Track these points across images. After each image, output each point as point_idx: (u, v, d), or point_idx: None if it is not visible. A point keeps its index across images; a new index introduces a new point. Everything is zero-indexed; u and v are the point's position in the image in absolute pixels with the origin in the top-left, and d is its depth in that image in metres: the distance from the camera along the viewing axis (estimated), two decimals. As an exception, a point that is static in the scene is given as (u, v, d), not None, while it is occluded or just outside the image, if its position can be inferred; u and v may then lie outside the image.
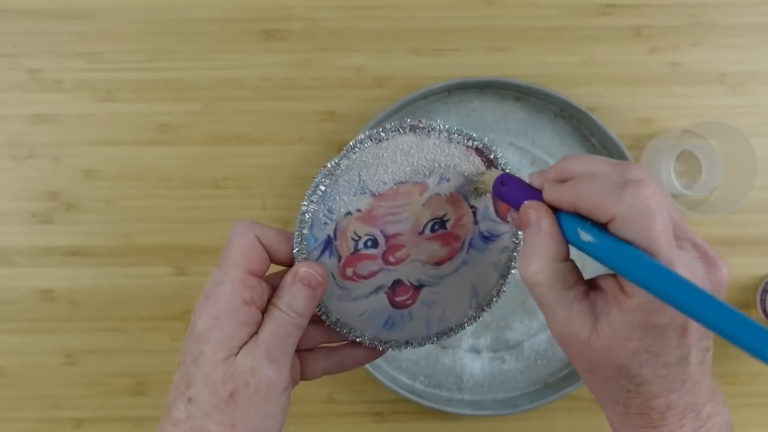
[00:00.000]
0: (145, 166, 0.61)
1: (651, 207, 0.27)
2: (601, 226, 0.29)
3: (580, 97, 0.61)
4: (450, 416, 0.59)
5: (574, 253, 0.31)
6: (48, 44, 0.61)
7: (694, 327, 0.29)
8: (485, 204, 0.36)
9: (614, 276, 0.29)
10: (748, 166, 0.57)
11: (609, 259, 0.28)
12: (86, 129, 0.61)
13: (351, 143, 0.34)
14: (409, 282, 0.37)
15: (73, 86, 0.61)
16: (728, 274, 0.29)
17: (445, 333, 0.39)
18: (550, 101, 0.60)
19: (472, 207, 0.36)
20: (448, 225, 0.36)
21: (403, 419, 0.61)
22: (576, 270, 0.31)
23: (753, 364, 0.62)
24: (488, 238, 0.37)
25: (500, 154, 0.35)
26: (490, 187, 0.34)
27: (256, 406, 0.31)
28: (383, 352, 0.39)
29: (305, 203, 0.34)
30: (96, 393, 0.60)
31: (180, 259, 0.60)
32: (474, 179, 0.36)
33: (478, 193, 0.36)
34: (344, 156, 0.34)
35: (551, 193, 0.30)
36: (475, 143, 0.35)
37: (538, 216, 0.30)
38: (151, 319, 0.60)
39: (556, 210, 0.31)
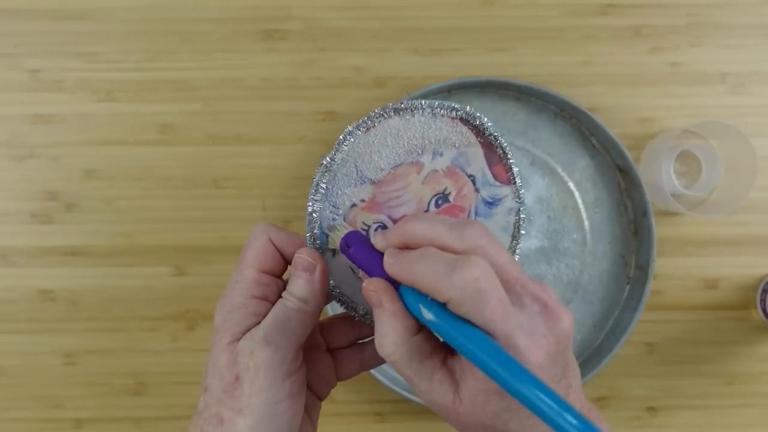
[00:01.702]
0: (144, 166, 0.61)
1: (481, 288, 0.27)
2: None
3: (580, 97, 0.61)
4: (450, 416, 0.59)
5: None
6: (48, 44, 0.61)
7: (548, 376, 0.29)
8: (482, 171, 0.37)
9: None
10: (748, 166, 0.57)
11: (447, 338, 0.29)
12: (86, 129, 0.61)
13: (341, 137, 0.35)
14: None
15: (73, 86, 0.61)
16: (571, 321, 0.30)
17: None
18: (550, 101, 0.60)
19: (470, 176, 0.37)
20: (451, 198, 0.37)
21: (403, 419, 0.61)
22: (431, 338, 0.31)
23: (753, 364, 0.62)
24: (491, 203, 0.37)
25: (485, 119, 0.36)
26: (338, 245, 0.34)
27: (258, 390, 0.32)
28: None
29: (310, 203, 0.35)
30: (96, 393, 0.60)
31: (180, 259, 0.60)
32: (327, 232, 0.36)
33: (330, 245, 0.36)
34: (337, 150, 0.35)
35: (391, 269, 0.31)
36: (459, 113, 0.36)
37: (378, 297, 0.30)
38: (151, 319, 0.60)
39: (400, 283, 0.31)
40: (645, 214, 0.59)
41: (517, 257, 0.38)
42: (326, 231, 0.36)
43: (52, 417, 0.60)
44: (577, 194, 0.61)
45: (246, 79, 0.61)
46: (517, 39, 0.62)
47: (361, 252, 0.33)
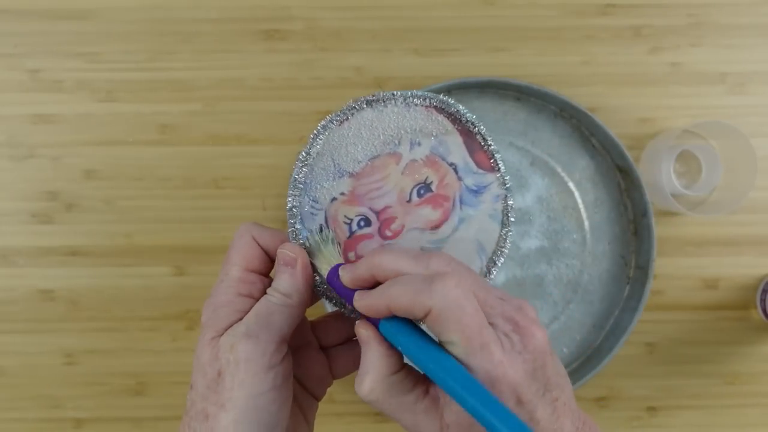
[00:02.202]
0: (144, 166, 0.61)
1: (459, 297, 0.29)
2: (416, 325, 0.30)
3: (580, 97, 0.61)
4: (450, 416, 0.59)
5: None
6: (48, 44, 0.61)
7: (530, 392, 0.29)
8: (463, 159, 0.37)
9: None
10: (748, 166, 0.57)
11: (420, 366, 0.29)
12: (86, 129, 0.61)
13: (315, 131, 0.35)
14: None
15: (73, 86, 0.61)
16: (545, 337, 0.30)
17: None
18: (550, 101, 0.60)
19: (451, 164, 0.37)
20: (433, 187, 0.37)
21: (403, 419, 0.60)
22: (413, 373, 0.32)
23: (753, 364, 0.62)
24: (476, 191, 0.37)
25: (461, 107, 0.36)
26: (324, 271, 0.35)
27: (239, 383, 0.32)
28: None
29: (289, 198, 0.35)
30: (96, 393, 0.60)
31: (180, 259, 0.60)
32: (315, 252, 0.36)
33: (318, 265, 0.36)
34: (312, 144, 0.35)
35: (361, 302, 0.31)
36: (433, 101, 0.36)
37: (367, 335, 0.31)
38: (151, 319, 0.60)
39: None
40: (645, 214, 0.59)
41: (509, 245, 0.37)
42: (316, 250, 0.35)
43: (52, 417, 0.60)
44: (577, 194, 0.61)
45: (246, 79, 0.61)
46: (517, 39, 0.62)
47: (338, 285, 0.34)
